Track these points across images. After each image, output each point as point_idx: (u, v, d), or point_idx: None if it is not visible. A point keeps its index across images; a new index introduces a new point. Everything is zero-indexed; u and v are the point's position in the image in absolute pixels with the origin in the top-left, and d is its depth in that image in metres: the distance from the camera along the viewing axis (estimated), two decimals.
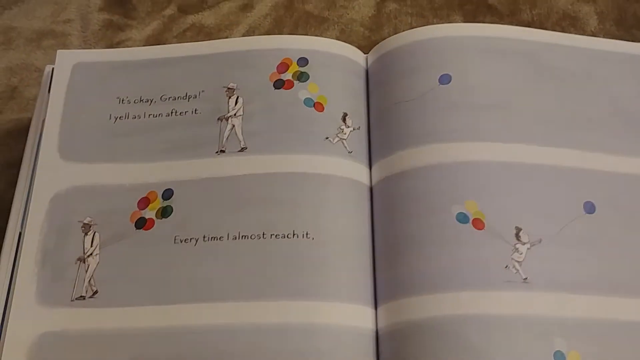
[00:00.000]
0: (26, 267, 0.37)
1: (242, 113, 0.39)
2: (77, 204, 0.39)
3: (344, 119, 0.40)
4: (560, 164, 0.38)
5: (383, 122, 0.40)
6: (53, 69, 0.43)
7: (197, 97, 0.41)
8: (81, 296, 0.36)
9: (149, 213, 0.38)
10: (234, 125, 0.39)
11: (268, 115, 0.39)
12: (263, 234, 0.36)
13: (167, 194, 0.38)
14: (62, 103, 0.42)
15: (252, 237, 0.36)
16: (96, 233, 0.38)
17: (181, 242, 0.36)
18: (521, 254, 0.35)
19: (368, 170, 0.40)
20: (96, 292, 0.36)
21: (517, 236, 0.35)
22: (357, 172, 0.39)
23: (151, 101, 0.41)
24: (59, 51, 0.44)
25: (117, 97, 0.42)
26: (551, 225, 0.36)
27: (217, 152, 0.39)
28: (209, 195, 0.37)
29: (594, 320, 0.34)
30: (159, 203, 0.38)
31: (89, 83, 0.42)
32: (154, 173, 0.39)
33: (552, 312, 0.34)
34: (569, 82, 0.40)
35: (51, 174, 0.39)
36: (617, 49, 0.43)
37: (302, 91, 0.40)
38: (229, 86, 0.40)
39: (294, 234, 0.36)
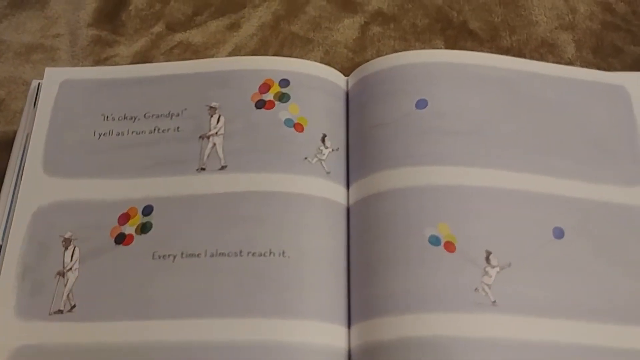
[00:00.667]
0: (6, 281, 0.38)
1: (223, 132, 0.40)
2: (59, 218, 0.39)
3: (323, 140, 0.41)
4: (531, 190, 0.39)
5: (361, 144, 0.41)
6: (39, 83, 0.44)
7: (180, 115, 0.41)
8: (59, 310, 0.37)
9: (129, 229, 0.39)
10: (215, 144, 0.40)
11: (249, 134, 0.40)
12: (240, 252, 0.37)
13: (147, 210, 0.39)
14: (49, 119, 0.42)
15: (230, 254, 0.37)
16: (76, 247, 0.38)
17: (160, 258, 0.37)
18: (491, 277, 0.36)
19: (346, 190, 0.41)
20: (74, 306, 0.37)
21: (487, 259, 0.36)
22: (335, 192, 0.40)
23: (135, 118, 0.42)
24: (47, 69, 0.45)
25: (102, 114, 0.42)
26: (521, 250, 0.37)
27: (197, 169, 0.39)
28: (188, 212, 0.38)
29: (560, 345, 0.35)
30: (139, 219, 0.39)
31: (75, 100, 0.43)
32: (135, 189, 0.40)
33: (520, 335, 0.35)
34: (543, 110, 0.42)
35: (34, 189, 0.40)
36: (591, 78, 0.44)
37: (283, 112, 0.41)
38: (211, 105, 0.41)
39: (270, 252, 0.37)
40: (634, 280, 0.37)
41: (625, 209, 0.39)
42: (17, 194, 0.40)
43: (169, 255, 0.37)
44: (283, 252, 0.37)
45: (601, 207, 0.39)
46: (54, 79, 0.44)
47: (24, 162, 0.41)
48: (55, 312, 0.37)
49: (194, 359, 0.34)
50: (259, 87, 0.42)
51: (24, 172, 0.41)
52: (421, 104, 0.41)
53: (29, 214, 0.39)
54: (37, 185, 0.40)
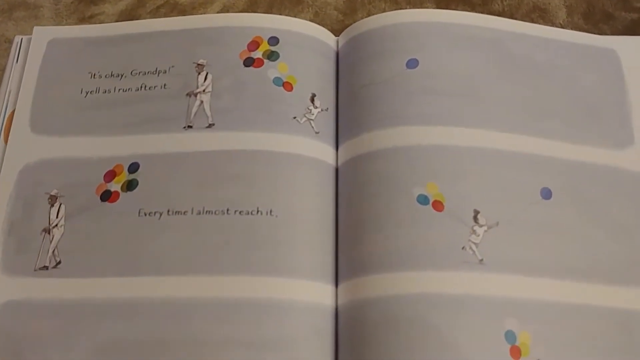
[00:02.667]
0: None
1: (211, 89, 0.40)
2: (45, 176, 0.39)
3: (312, 100, 0.41)
4: (520, 151, 0.39)
5: (351, 104, 0.41)
6: (22, 39, 0.44)
7: (167, 72, 0.41)
8: (44, 266, 0.37)
9: (115, 186, 0.38)
10: (202, 101, 0.39)
11: (237, 92, 0.40)
12: (227, 210, 0.37)
13: (133, 167, 0.38)
14: (36, 78, 0.42)
15: (216, 212, 0.36)
16: (62, 205, 0.38)
17: (145, 215, 0.37)
18: (478, 236, 0.36)
19: (335, 151, 0.40)
20: (59, 262, 0.37)
21: (475, 219, 0.36)
22: (324, 152, 0.40)
23: (122, 76, 0.41)
24: (35, 28, 0.44)
25: (89, 72, 0.42)
26: (509, 209, 0.37)
27: (184, 127, 0.39)
28: (174, 169, 0.38)
29: (545, 303, 0.35)
30: (124, 176, 0.38)
31: (62, 58, 0.43)
32: (121, 146, 0.39)
33: (506, 293, 0.35)
34: (533, 71, 0.41)
35: (22, 147, 0.40)
36: (581, 41, 0.44)
37: (272, 70, 0.40)
38: (199, 62, 0.41)
39: (258, 211, 0.37)
40: (618, 242, 0.37)
41: (612, 172, 0.39)
42: (5, 152, 0.40)
43: (155, 213, 0.37)
44: (270, 211, 0.37)
45: (589, 169, 0.39)
46: (41, 38, 0.43)
47: (5, 119, 0.41)
48: (40, 268, 0.37)
49: (179, 316, 0.34)
50: (248, 45, 0.41)
51: (11, 131, 0.40)
52: (412, 63, 0.40)
53: (15, 171, 0.39)
54: (24, 144, 0.40)
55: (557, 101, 0.41)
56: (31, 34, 0.44)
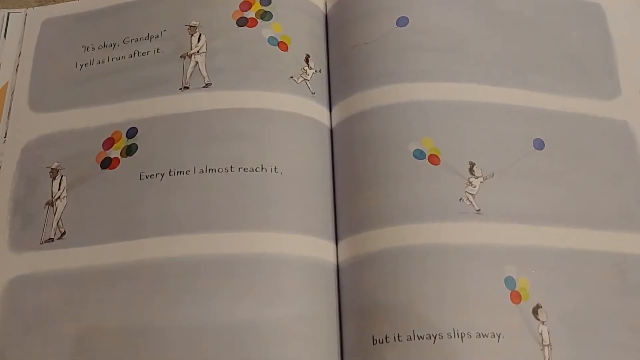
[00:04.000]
0: None
1: (205, 50, 0.40)
2: (46, 151, 0.39)
3: (307, 60, 0.41)
4: (511, 103, 0.39)
5: (342, 65, 0.41)
6: (9, 14, 0.44)
7: (159, 36, 0.41)
8: (50, 238, 0.37)
9: (114, 152, 0.38)
10: (197, 62, 0.39)
11: (232, 52, 0.40)
12: (231, 167, 0.37)
13: (131, 132, 0.38)
14: (32, 59, 0.43)
15: (220, 170, 0.37)
16: (63, 177, 0.38)
17: (147, 177, 0.37)
18: (475, 187, 0.37)
19: (328, 112, 0.41)
20: (64, 233, 0.37)
21: (471, 170, 0.37)
22: (320, 113, 0.40)
23: (114, 45, 0.42)
24: (28, 10, 0.44)
25: (82, 46, 0.42)
26: (503, 161, 0.38)
27: (180, 88, 0.39)
28: (173, 131, 0.38)
29: (542, 249, 0.36)
30: (123, 142, 0.38)
31: (56, 37, 0.43)
32: (117, 113, 0.39)
33: (504, 241, 0.36)
34: (521, 27, 0.42)
35: (22, 126, 0.40)
36: None
37: (266, 30, 0.41)
38: (191, 24, 0.41)
39: (262, 168, 0.37)
40: (608, 189, 0.38)
41: (601, 122, 0.40)
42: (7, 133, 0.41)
43: (156, 175, 0.37)
44: (275, 168, 0.37)
45: (579, 119, 0.40)
46: (35, 19, 0.44)
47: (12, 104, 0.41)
48: (46, 241, 0.37)
49: (187, 274, 0.35)
50: (240, 5, 0.41)
51: (11, 112, 0.41)
52: (402, 21, 0.41)
53: (17, 151, 0.40)
54: (24, 123, 0.41)
55: (545, 55, 0.41)
56: (14, 8, 0.44)
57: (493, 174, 0.37)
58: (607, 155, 0.39)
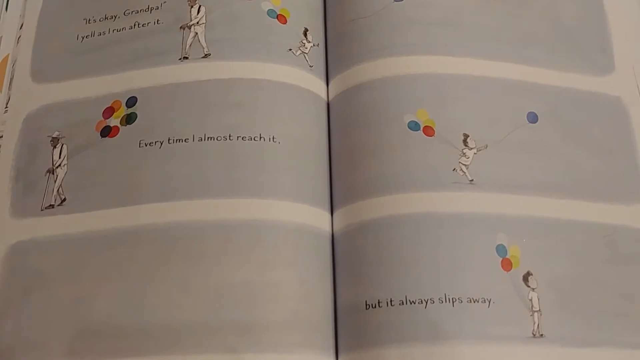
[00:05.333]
0: (0, 185, 0.39)
1: (204, 21, 0.40)
2: (47, 120, 0.40)
3: (305, 34, 0.41)
4: (505, 77, 0.40)
5: (340, 39, 0.42)
6: None
7: (159, 8, 0.41)
8: (50, 205, 0.38)
9: (114, 121, 0.39)
10: (196, 33, 0.40)
11: (231, 24, 0.40)
12: (230, 136, 0.37)
13: (131, 101, 0.39)
14: (34, 32, 0.43)
15: (218, 138, 0.37)
16: (64, 145, 0.39)
17: (146, 145, 0.38)
18: (468, 158, 0.37)
19: (326, 86, 0.41)
20: (64, 199, 0.38)
21: (465, 142, 0.38)
22: (317, 86, 0.41)
23: (115, 17, 0.42)
24: None
25: (84, 18, 0.43)
26: (496, 133, 0.38)
27: (180, 59, 0.40)
28: (173, 100, 0.39)
29: (533, 218, 0.37)
30: (123, 111, 0.39)
31: (58, 9, 0.44)
32: (118, 83, 0.40)
33: (496, 210, 0.36)
34: (516, 1, 0.42)
35: (24, 97, 0.41)
36: None
37: (265, 2, 0.41)
38: None
39: (260, 137, 0.38)
40: (600, 162, 0.39)
41: (594, 97, 0.41)
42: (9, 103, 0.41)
43: (155, 142, 0.38)
44: (273, 137, 0.38)
45: (572, 94, 0.41)
46: None
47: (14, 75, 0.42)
48: (46, 208, 0.38)
49: (183, 239, 0.35)
50: None
51: (13, 83, 0.42)
52: None
53: (19, 121, 0.40)
54: (26, 94, 0.41)
55: (539, 30, 0.42)
56: None
57: (487, 146, 0.38)
58: (600, 129, 0.40)
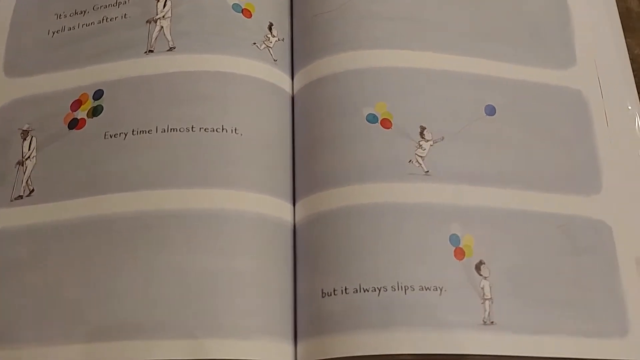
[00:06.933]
0: None
1: (170, 15, 0.41)
2: (18, 114, 0.41)
3: (270, 28, 0.42)
4: (465, 71, 0.41)
5: (304, 33, 0.43)
6: None
7: (127, 2, 0.42)
8: (19, 196, 0.39)
9: (81, 114, 0.40)
10: (162, 27, 0.41)
11: (196, 17, 0.41)
12: (192, 127, 0.38)
13: (98, 94, 0.40)
14: (8, 27, 0.44)
15: (181, 129, 0.38)
16: (33, 137, 0.40)
17: (111, 137, 0.39)
18: (424, 149, 0.38)
19: (291, 80, 0.42)
20: (33, 190, 0.39)
21: (422, 134, 0.39)
22: (281, 79, 0.42)
23: (84, 12, 0.43)
24: None
25: (55, 14, 0.44)
26: (454, 125, 0.39)
27: (145, 52, 0.41)
28: (138, 92, 0.39)
29: (488, 209, 0.38)
30: (90, 103, 0.40)
31: (30, 6, 0.45)
32: (86, 77, 0.41)
33: (450, 200, 0.37)
34: None
35: None
36: None
37: None
38: None
39: (223, 129, 0.38)
40: (558, 154, 0.40)
41: (555, 90, 0.42)
42: None
43: (120, 134, 0.39)
44: (235, 129, 0.39)
45: (532, 87, 0.41)
46: None
47: None
48: (15, 199, 0.39)
49: (146, 227, 0.36)
50: None
51: None
52: None
53: None
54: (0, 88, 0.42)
55: (501, 24, 0.43)
56: None
57: (443, 138, 0.39)
58: (559, 122, 0.41)
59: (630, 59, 0.45)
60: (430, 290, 0.35)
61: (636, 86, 0.44)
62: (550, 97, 0.41)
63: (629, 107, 0.43)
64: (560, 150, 0.40)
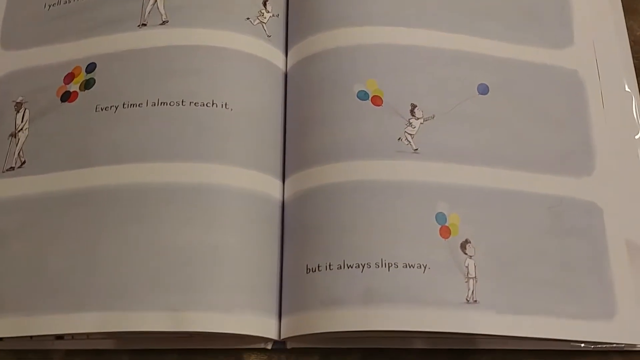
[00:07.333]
0: None
1: None
2: (13, 86, 0.41)
3: (264, 4, 0.42)
4: (458, 49, 0.40)
5: (300, 9, 0.43)
6: None
7: None
8: (11, 167, 0.39)
9: (74, 86, 0.40)
10: (155, 1, 0.41)
11: None
12: (182, 101, 0.38)
13: (91, 67, 0.40)
14: (5, 1, 0.45)
15: (172, 103, 0.38)
16: (26, 110, 0.40)
17: (102, 110, 0.39)
18: (414, 127, 0.38)
19: (284, 56, 0.42)
20: (24, 162, 0.39)
21: (412, 112, 0.38)
22: (274, 56, 0.41)
23: None
24: None
25: None
26: (445, 104, 0.39)
27: (138, 25, 0.41)
28: (130, 66, 0.40)
29: (476, 188, 0.37)
30: (82, 76, 0.40)
31: None
32: (79, 50, 0.41)
33: (438, 179, 0.37)
34: None
35: None
36: None
37: None
38: None
39: (213, 103, 0.39)
40: (551, 135, 0.40)
41: (550, 70, 0.41)
42: None
43: (110, 107, 0.39)
44: (225, 104, 0.39)
45: (527, 67, 0.41)
46: None
47: None
48: (7, 170, 0.39)
49: (133, 200, 0.37)
50: None
51: None
52: None
53: None
54: None
55: (499, 3, 0.42)
56: None
57: (434, 116, 0.39)
58: (553, 102, 0.40)
59: (631, 40, 0.44)
60: (414, 267, 0.35)
61: (635, 68, 0.43)
62: (545, 76, 0.41)
63: (627, 89, 0.42)
64: (553, 130, 0.40)
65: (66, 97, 0.40)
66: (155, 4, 0.41)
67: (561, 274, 0.37)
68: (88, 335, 0.36)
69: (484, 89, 0.40)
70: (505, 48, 0.41)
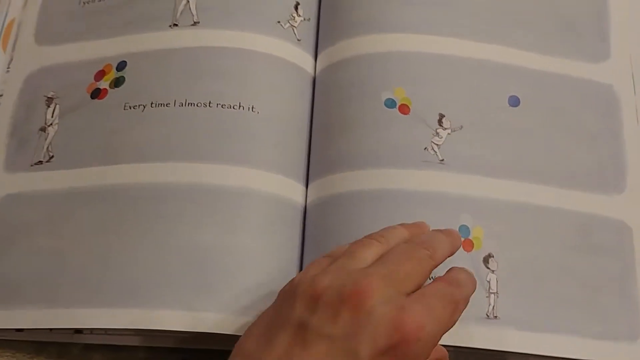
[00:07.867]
0: None
1: None
2: (44, 81, 0.42)
3: (296, 8, 0.42)
4: (491, 59, 0.40)
5: (331, 14, 0.42)
6: None
7: None
8: (39, 161, 0.40)
9: (104, 84, 0.41)
10: (188, 1, 0.41)
11: None
12: (209, 103, 0.39)
13: (121, 65, 0.41)
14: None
15: (199, 104, 0.39)
16: (57, 105, 0.41)
17: (130, 108, 0.39)
18: (441, 138, 0.38)
19: (314, 61, 0.42)
20: (52, 157, 0.40)
21: (440, 122, 0.38)
22: (304, 60, 0.41)
23: None
24: None
25: None
26: (474, 115, 0.38)
27: (170, 25, 0.41)
28: (160, 65, 0.40)
29: (502, 202, 0.37)
30: (113, 74, 0.41)
31: None
32: (111, 47, 0.42)
33: (463, 191, 0.37)
34: None
35: (27, 58, 0.43)
36: None
37: None
38: None
39: (240, 106, 0.39)
40: (583, 150, 0.39)
41: (584, 84, 0.40)
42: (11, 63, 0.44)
43: (139, 106, 0.39)
44: (252, 107, 0.39)
45: (560, 80, 0.40)
46: None
47: (4, 28, 0.44)
48: (35, 164, 0.40)
49: (156, 199, 0.37)
50: None
51: (17, 44, 0.44)
52: None
53: (20, 80, 0.43)
54: (29, 55, 0.43)
55: (535, 14, 0.42)
56: None
57: (462, 127, 0.38)
58: (586, 116, 0.40)
59: None
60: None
61: None
62: (578, 90, 0.40)
63: None
64: (584, 146, 0.39)
65: (96, 94, 0.40)
66: (188, 5, 0.41)
67: (586, 293, 0.36)
68: (106, 331, 0.37)
69: (515, 101, 0.39)
70: (539, 60, 0.40)
